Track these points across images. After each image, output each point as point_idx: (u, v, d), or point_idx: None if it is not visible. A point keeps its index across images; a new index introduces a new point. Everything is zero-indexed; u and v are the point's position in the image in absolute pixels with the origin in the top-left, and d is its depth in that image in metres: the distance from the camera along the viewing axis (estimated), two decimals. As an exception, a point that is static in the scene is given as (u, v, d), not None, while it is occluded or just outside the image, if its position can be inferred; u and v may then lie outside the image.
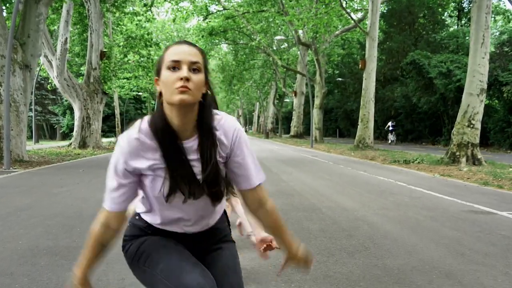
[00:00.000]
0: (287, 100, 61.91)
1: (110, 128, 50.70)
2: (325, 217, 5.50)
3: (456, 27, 37.74)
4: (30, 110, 39.51)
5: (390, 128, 31.19)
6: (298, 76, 40.30)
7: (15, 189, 7.98)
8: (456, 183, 9.59)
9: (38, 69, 28.43)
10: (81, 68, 28.81)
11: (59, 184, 8.62)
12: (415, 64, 26.67)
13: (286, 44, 45.25)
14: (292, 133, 42.53)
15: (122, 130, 45.48)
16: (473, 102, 13.63)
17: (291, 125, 44.09)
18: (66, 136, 48.96)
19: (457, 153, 13.63)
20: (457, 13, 36.99)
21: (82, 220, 5.24)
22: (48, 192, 7.59)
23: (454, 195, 7.65)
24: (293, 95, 41.75)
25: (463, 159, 13.38)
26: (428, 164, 13.89)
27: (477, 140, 13.70)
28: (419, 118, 30.86)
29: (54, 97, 46.80)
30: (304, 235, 4.60)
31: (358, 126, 22.78)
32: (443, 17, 36.34)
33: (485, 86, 13.82)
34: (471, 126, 13.58)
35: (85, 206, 6.22)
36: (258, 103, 69.13)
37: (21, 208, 6.08)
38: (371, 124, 22.52)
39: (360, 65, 23.38)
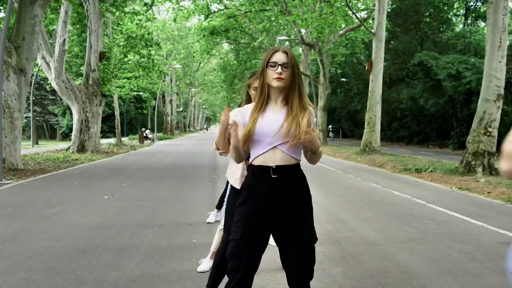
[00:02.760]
0: (289, 99, 61.15)
1: (110, 129, 50.09)
2: (347, 255, 4.85)
3: (462, 26, 37.05)
4: (29, 111, 38.93)
5: (330, 129, 43.48)
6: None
7: (2, 210, 7.34)
8: (478, 200, 8.92)
9: (36, 69, 27.79)
10: (81, 68, 28.14)
11: (51, 203, 7.98)
12: (422, 65, 25.98)
13: (287, 44, 44.55)
14: (295, 134, 41.83)
15: (122, 131, 45.01)
16: (490, 109, 12.96)
17: (294, 126, 43.37)
18: (66, 136, 48.40)
19: (473, 163, 12.97)
20: (463, 12, 36.28)
21: (70, 260, 4.59)
22: (37, 214, 6.95)
23: (481, 217, 6.99)
24: (296, 95, 41.06)
25: (479, 169, 12.72)
26: (441, 174, 13.24)
27: (494, 149, 13.03)
28: (426, 120, 30.18)
29: (53, 97, 46.21)
30: (328, 284, 3.94)
31: (365, 130, 22.14)
32: (449, 16, 35.61)
33: (502, 92, 13.16)
34: (488, 134, 12.92)
35: (75, 237, 5.57)
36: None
37: (5, 238, 5.44)
38: (378, 128, 21.87)
39: (366, 67, 22.71)
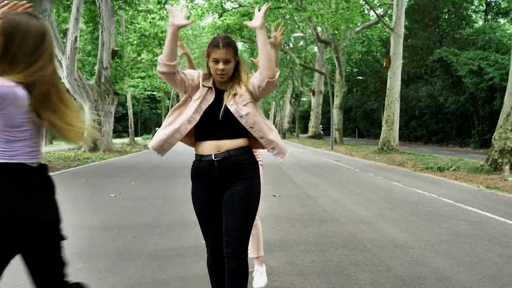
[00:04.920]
0: (303, 99, 60.58)
1: (124, 128, 49.98)
2: (373, 259, 4.31)
3: (482, 22, 36.13)
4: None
5: (321, 129, 44.33)
6: (316, 74, 39.00)
7: (2, 209, 6.93)
8: (509, 199, 8.30)
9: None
10: (94, 68, 27.92)
11: (54, 201, 7.55)
12: (442, 61, 25.21)
13: (302, 42, 43.99)
14: (310, 133, 41.30)
15: (136, 131, 44.66)
16: (517, 104, 12.26)
17: (309, 125, 42.84)
18: (80, 136, 48.32)
19: (499, 160, 12.28)
20: (483, 8, 35.33)
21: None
22: (38, 213, 6.51)
23: (517, 218, 6.40)
24: (311, 94, 40.48)
25: (507, 167, 12.03)
26: (465, 172, 12.59)
27: (523, 146, 12.34)
28: (446, 118, 29.36)
29: (67, 97, 46.17)
30: (353, 293, 3.42)
31: (383, 128, 21.49)
32: (468, 12, 34.70)
33: (531, 86, 12.43)
34: (515, 130, 12.21)
35: (72, 238, 5.08)
36: (274, 102, 67.89)
37: (-2, 239, 5.00)
38: (396, 126, 21.21)
39: (384, 63, 22.06)
